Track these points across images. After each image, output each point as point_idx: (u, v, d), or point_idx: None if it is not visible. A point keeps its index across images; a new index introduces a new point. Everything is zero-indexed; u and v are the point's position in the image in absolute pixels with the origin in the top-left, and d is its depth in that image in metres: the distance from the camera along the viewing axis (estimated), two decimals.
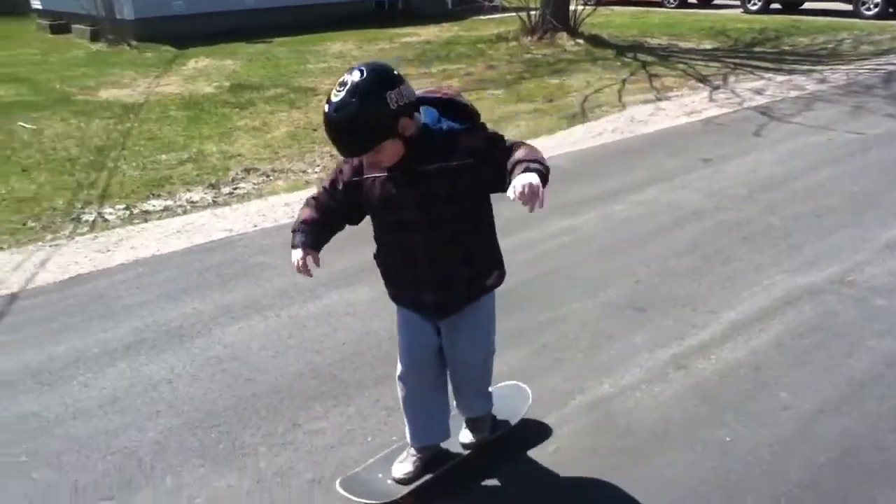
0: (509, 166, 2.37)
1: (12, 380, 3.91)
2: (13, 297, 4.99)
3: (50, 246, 6.06)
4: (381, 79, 2.34)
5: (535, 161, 2.33)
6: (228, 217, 6.46)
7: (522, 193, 2.17)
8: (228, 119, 10.17)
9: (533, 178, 2.21)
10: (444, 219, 2.52)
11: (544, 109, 10.23)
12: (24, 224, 6.68)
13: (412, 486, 2.89)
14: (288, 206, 6.61)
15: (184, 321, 4.46)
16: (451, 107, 2.54)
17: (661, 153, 7.82)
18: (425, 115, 2.49)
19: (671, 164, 7.43)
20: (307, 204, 2.73)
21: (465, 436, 3.10)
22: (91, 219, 6.74)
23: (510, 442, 3.18)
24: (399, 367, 2.84)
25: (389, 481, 2.91)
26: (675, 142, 8.27)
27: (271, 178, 7.79)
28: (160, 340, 4.25)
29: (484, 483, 2.99)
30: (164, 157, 8.53)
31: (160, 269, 5.29)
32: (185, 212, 6.81)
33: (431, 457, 2.98)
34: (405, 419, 2.95)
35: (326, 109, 2.34)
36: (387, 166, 2.49)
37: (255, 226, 6.16)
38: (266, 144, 8.91)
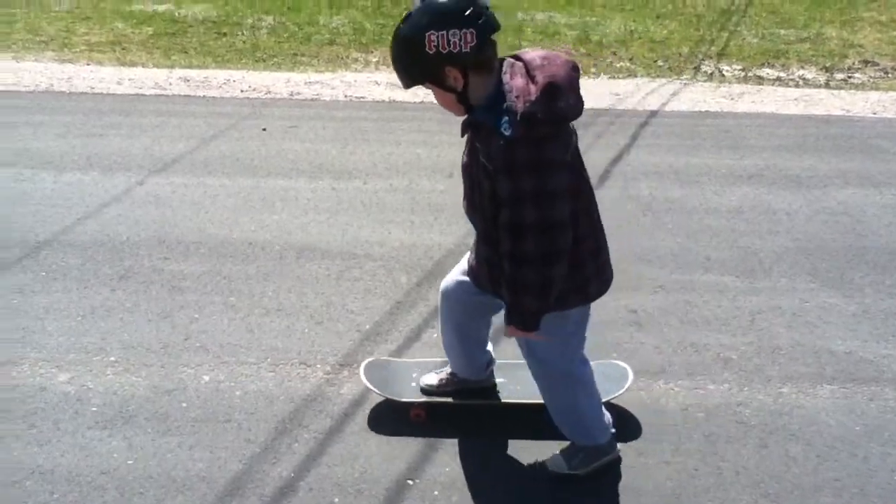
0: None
1: (659, 170, 4.93)
2: (654, 114, 6.07)
3: (679, 82, 7.03)
4: (431, 14, 1.99)
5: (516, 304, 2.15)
6: (846, 99, 6.61)
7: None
8: (853, 7, 9.88)
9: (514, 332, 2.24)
10: (476, 200, 2.20)
11: None
12: (654, 61, 7.79)
13: (430, 400, 2.79)
14: None
15: (801, 171, 4.95)
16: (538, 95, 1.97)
17: None
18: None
19: None
20: None
21: (550, 463, 2.58)
22: (709, 70, 7.53)
23: None
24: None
25: (413, 384, 2.85)
26: None
27: (890, 74, 7.56)
28: (779, 180, 4.83)
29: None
30: (782, 31, 8.82)
31: (779, 125, 5.81)
32: (797, 85, 7.13)
33: (465, 386, 2.79)
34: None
35: None
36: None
37: (875, 113, 6.23)
38: (891, 41, 8.53)
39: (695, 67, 7.63)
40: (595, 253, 2.27)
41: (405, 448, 2.69)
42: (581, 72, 2.12)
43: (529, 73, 1.99)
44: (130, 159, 4.88)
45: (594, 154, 5.00)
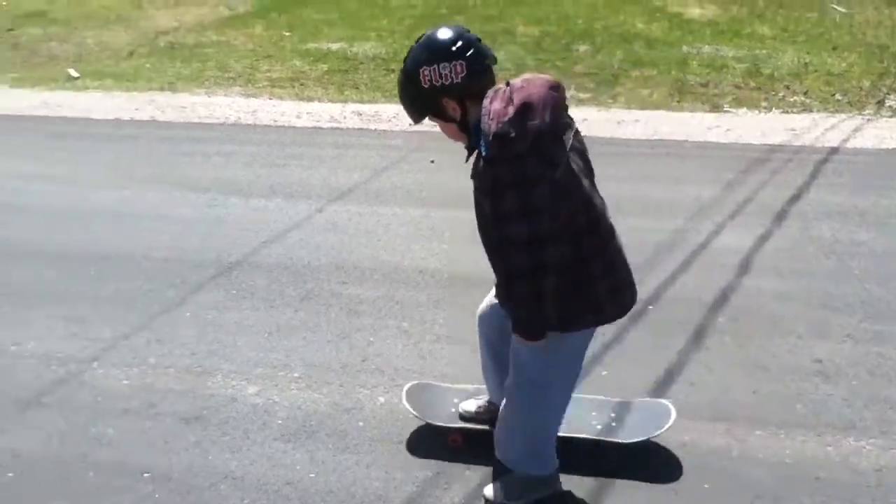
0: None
1: (843, 211, 4.64)
2: (834, 151, 5.73)
3: (861, 117, 6.60)
4: (423, 51, 2.18)
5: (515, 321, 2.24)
6: None
7: None
8: None
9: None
10: (481, 224, 2.29)
11: None
12: (832, 95, 7.37)
13: (467, 426, 2.84)
14: None
15: None
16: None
17: None
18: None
19: None
20: None
21: (488, 489, 2.64)
22: (895, 105, 7.01)
23: None
24: None
25: (453, 410, 2.90)
26: None
27: None
28: None
29: None
30: None
31: None
32: None
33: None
34: None
35: None
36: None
37: None
38: None
39: (878, 102, 7.14)
40: (606, 272, 2.26)
41: (576, 483, 2.68)
42: (562, 90, 2.17)
43: (511, 96, 2.10)
44: (310, 188, 5.19)
45: (769, 192, 4.77)
